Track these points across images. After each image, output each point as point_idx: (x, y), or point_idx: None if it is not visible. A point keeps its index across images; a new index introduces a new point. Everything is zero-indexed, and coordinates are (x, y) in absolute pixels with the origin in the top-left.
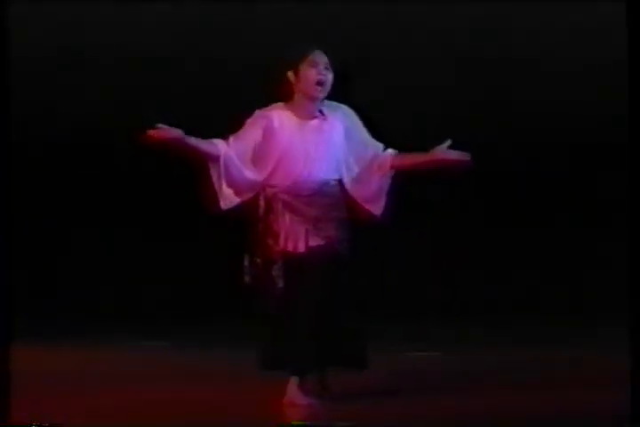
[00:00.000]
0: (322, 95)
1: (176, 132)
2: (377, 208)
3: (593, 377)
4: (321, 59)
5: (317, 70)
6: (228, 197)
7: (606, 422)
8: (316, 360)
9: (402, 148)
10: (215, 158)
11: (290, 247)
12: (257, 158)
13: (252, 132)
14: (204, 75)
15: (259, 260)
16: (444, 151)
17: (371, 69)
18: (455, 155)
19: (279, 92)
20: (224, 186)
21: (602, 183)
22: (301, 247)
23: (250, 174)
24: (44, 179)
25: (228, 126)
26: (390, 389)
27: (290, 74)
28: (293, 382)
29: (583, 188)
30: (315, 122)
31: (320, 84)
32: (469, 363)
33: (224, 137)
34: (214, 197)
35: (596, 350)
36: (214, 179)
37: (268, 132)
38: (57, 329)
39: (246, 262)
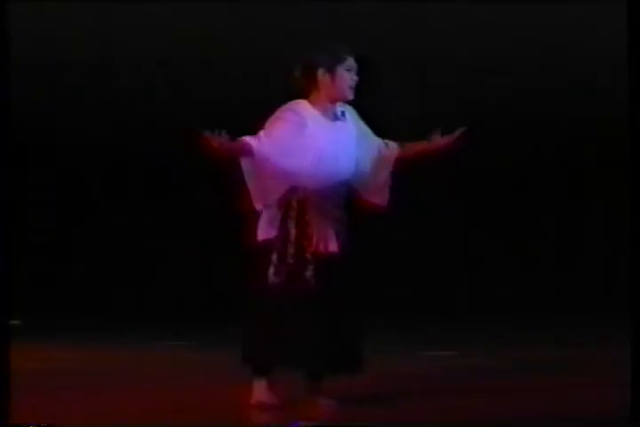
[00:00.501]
0: (352, 98)
1: (223, 141)
2: (384, 200)
3: (593, 377)
4: (354, 63)
5: (351, 75)
6: (264, 195)
7: (606, 422)
8: (335, 360)
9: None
10: (248, 155)
11: (322, 248)
12: (291, 154)
13: (284, 127)
14: (203, 75)
15: (291, 260)
16: (440, 137)
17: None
18: (452, 135)
19: (300, 89)
20: (259, 184)
21: (603, 182)
22: (333, 248)
23: (286, 166)
24: (54, 176)
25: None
26: (407, 389)
27: (322, 72)
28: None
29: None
30: (339, 123)
31: (352, 88)
32: (484, 362)
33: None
34: (247, 197)
35: (596, 349)
36: (248, 177)
37: (302, 130)
38: (61, 328)
39: (275, 261)
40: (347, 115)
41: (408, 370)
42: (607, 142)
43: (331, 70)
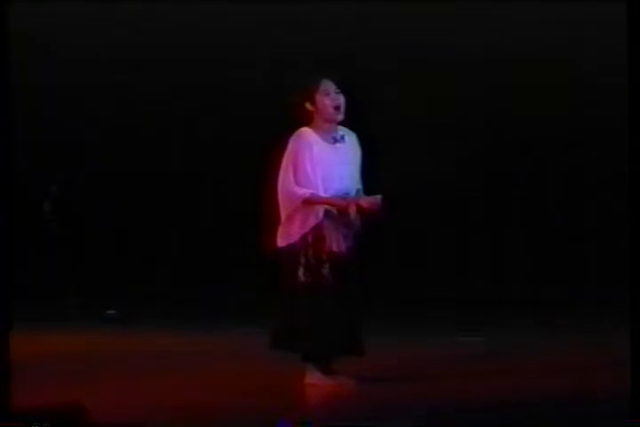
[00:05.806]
0: (341, 117)
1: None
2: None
3: (593, 377)
4: (330, 86)
5: (330, 98)
6: (307, 224)
7: (606, 420)
8: (346, 343)
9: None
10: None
11: (335, 249)
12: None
13: (307, 165)
14: (204, 74)
15: (312, 260)
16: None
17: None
18: (373, 200)
19: (300, 119)
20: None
21: (603, 179)
22: (343, 248)
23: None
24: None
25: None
26: (434, 372)
27: (308, 105)
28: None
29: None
30: (339, 145)
31: (337, 108)
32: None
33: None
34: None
35: (596, 349)
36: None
37: (312, 158)
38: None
39: (303, 263)
40: (346, 138)
41: (451, 354)
42: (607, 142)
43: (312, 101)
